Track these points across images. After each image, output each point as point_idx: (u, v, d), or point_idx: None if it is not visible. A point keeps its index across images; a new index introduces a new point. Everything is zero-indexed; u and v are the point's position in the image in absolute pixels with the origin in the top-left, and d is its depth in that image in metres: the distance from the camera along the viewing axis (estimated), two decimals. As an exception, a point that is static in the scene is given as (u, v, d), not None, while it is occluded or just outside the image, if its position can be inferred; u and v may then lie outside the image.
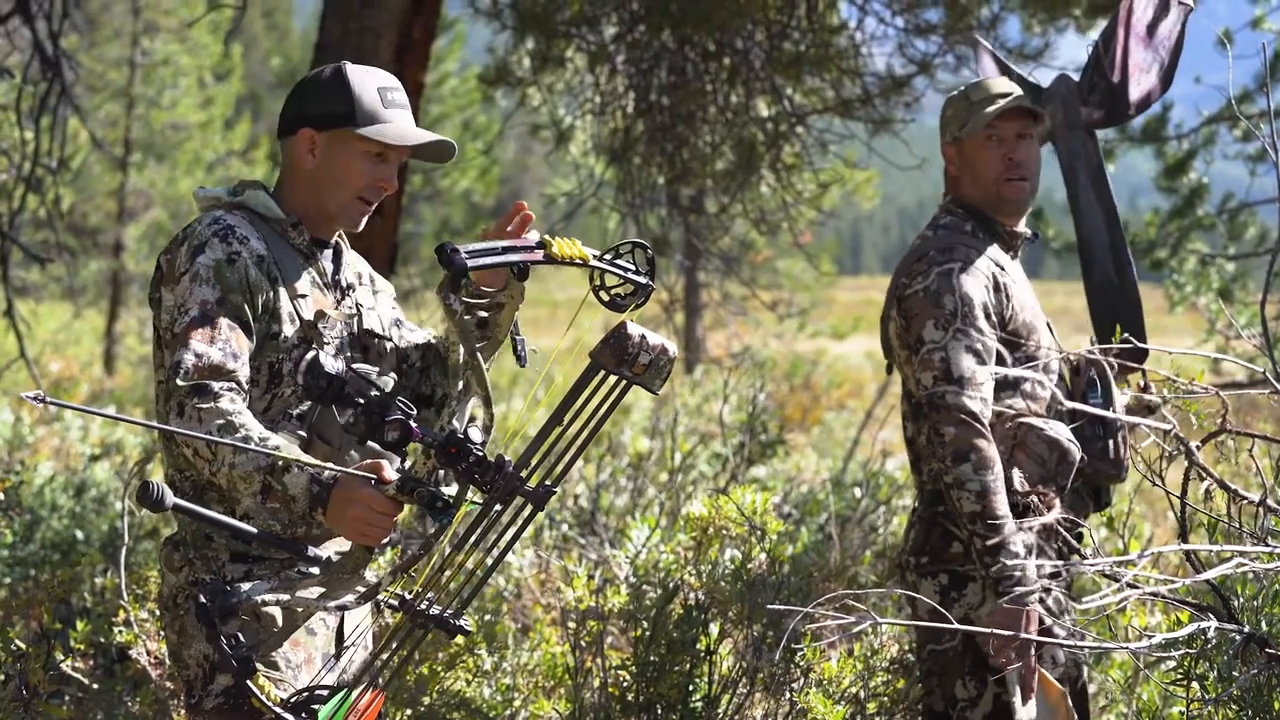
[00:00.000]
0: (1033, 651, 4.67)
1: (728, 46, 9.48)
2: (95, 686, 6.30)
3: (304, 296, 3.98)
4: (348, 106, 3.99)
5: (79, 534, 8.27)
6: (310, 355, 3.61)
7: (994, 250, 5.01)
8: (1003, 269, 4.96)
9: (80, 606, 7.36)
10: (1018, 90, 5.08)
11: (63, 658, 6.21)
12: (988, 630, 4.29)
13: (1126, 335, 4.55)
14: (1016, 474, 4.78)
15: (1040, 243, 5.26)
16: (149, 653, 5.80)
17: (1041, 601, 4.78)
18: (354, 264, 4.22)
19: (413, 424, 3.52)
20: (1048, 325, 5.07)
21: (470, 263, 3.48)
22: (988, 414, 4.74)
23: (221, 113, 28.55)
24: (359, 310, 4.15)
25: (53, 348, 23.92)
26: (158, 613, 5.81)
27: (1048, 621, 4.79)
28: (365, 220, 4.10)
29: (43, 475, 8.99)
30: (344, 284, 4.15)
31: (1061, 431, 4.84)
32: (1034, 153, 5.08)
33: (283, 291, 3.93)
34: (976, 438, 4.68)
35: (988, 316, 4.83)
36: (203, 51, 27.51)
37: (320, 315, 3.99)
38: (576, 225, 12.43)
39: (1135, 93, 5.28)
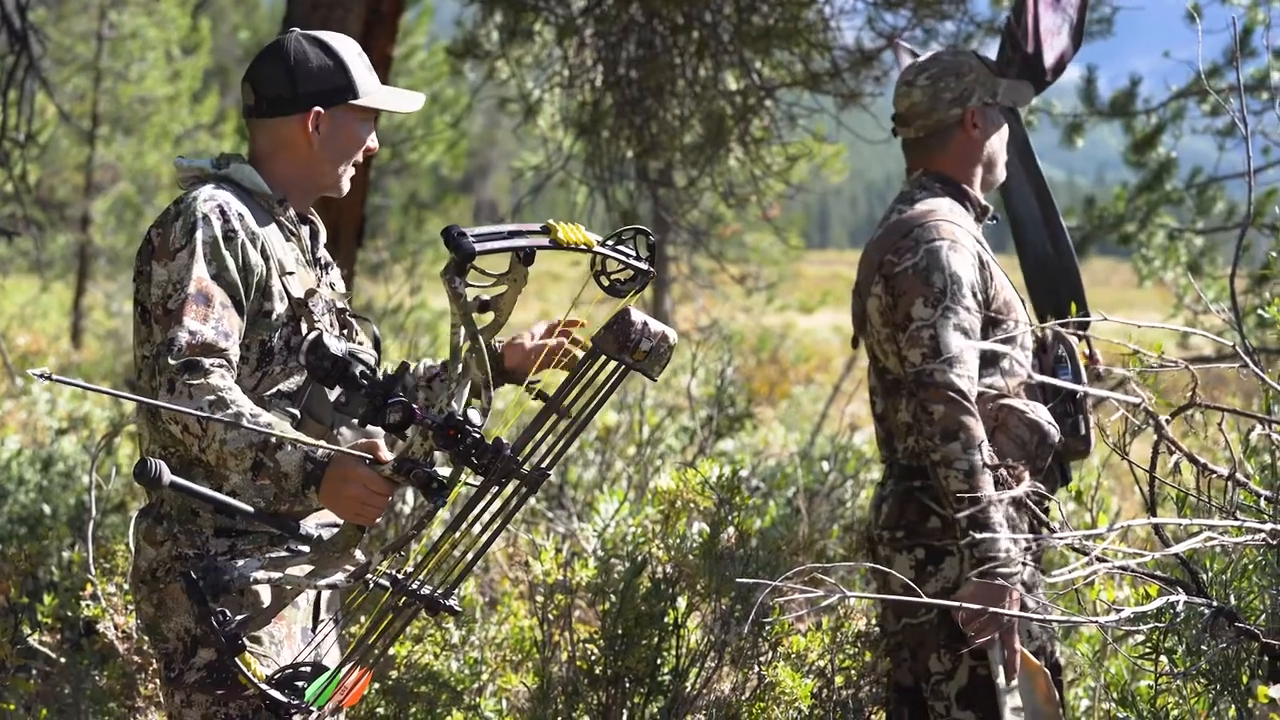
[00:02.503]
0: (1016, 631, 4.67)
1: (696, 20, 9.45)
2: (62, 660, 6.29)
3: (291, 274, 3.98)
4: (347, 80, 4.03)
5: (46, 508, 8.25)
6: (313, 335, 3.61)
7: (972, 225, 5.00)
8: (983, 245, 4.94)
9: (47, 580, 7.33)
10: None
11: (30, 632, 6.20)
12: (969, 605, 4.27)
13: (1086, 310, 4.54)
14: (985, 447, 4.76)
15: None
16: (116, 627, 5.78)
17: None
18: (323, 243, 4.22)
19: (414, 406, 3.53)
20: (1022, 302, 5.05)
21: (478, 246, 3.48)
22: (974, 392, 4.69)
23: (189, 86, 28.39)
24: (335, 288, 4.16)
25: (20, 321, 23.81)
26: (126, 586, 5.79)
27: (1027, 600, 4.78)
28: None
29: (10, 449, 8.97)
30: (323, 261, 4.15)
31: (1042, 414, 4.82)
32: None
33: (273, 269, 3.93)
34: (965, 415, 4.61)
35: (974, 295, 4.78)
36: (171, 25, 27.31)
37: (310, 293, 3.99)
38: (544, 199, 12.39)
39: (1050, 58, 5.26)
